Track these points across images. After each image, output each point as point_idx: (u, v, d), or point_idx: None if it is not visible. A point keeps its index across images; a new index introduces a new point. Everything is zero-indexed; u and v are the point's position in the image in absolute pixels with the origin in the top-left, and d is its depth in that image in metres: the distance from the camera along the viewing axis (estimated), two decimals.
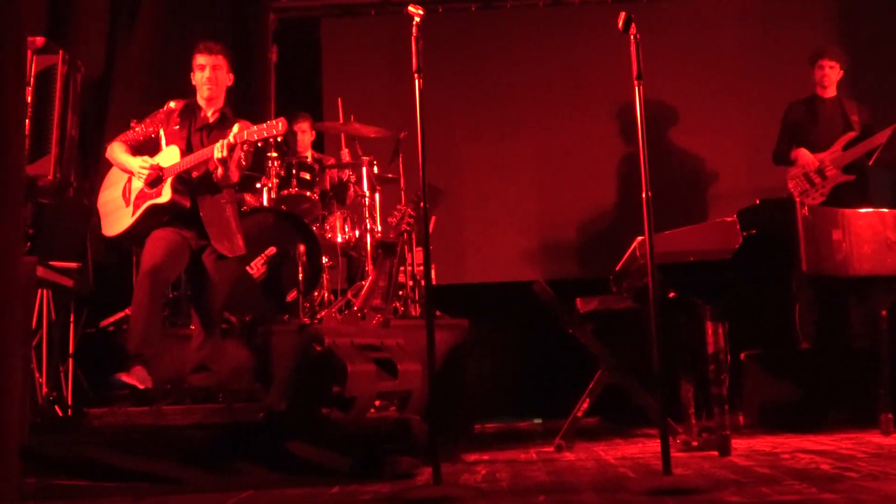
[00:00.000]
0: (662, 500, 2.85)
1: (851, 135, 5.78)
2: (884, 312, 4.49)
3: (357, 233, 5.64)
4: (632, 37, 3.30)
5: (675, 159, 7.02)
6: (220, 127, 4.60)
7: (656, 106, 6.81)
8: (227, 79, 4.71)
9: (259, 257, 5.10)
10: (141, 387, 4.20)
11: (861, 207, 4.46)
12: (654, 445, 4.04)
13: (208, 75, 4.60)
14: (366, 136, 6.03)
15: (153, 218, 4.47)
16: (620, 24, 3.33)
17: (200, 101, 4.66)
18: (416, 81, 3.31)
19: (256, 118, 4.70)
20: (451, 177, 6.87)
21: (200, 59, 4.61)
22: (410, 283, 5.52)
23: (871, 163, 5.51)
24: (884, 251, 4.27)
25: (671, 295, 4.12)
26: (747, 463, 3.61)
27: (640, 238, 4.05)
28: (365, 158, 5.72)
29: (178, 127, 4.59)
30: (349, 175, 5.89)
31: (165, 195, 4.42)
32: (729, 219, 3.95)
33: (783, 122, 6.05)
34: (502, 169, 7.12)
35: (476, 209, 7.03)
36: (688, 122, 7.02)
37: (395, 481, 3.39)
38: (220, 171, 4.37)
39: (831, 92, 5.92)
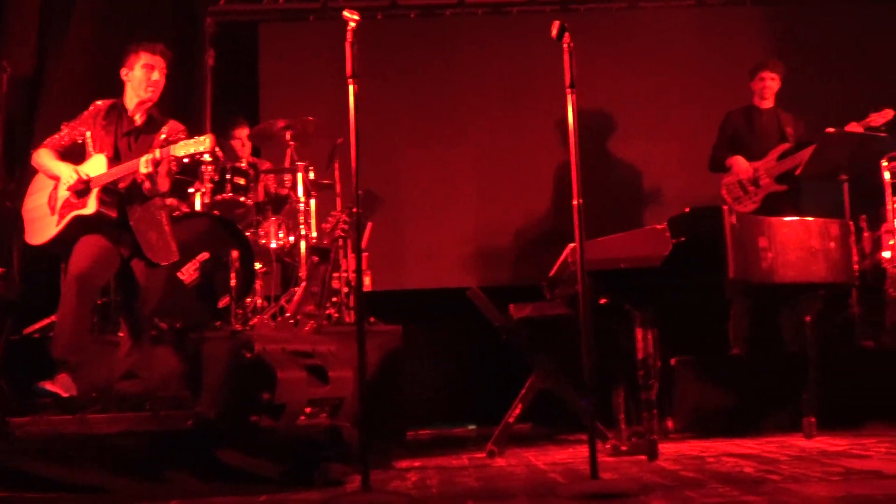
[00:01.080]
0: (590, 503, 2.88)
1: (786, 146, 5.91)
2: (809, 319, 4.60)
3: (292, 238, 5.59)
4: (565, 45, 3.34)
5: (614, 166, 7.10)
6: (147, 131, 4.51)
7: (595, 114, 6.90)
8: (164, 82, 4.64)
9: (191, 263, 5.03)
10: (64, 394, 4.11)
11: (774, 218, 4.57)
12: (585, 451, 4.02)
13: (156, 78, 4.50)
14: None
15: (78, 228, 4.36)
16: (554, 32, 3.36)
17: (128, 102, 4.55)
18: (350, 87, 3.30)
19: (192, 122, 4.65)
20: (390, 183, 6.86)
21: (147, 59, 4.49)
22: (345, 289, 5.50)
23: (798, 173, 5.63)
24: (809, 259, 4.37)
25: (602, 301, 4.17)
26: (674, 467, 3.66)
27: (572, 245, 4.09)
28: (301, 164, 5.68)
29: (104, 129, 4.49)
30: (288, 190, 5.84)
31: (91, 206, 4.30)
32: (659, 226, 4.01)
33: (721, 130, 6.16)
34: (442, 175, 7.14)
35: (415, 215, 7.03)
36: (626, 130, 7.12)
37: (326, 489, 3.37)
38: (146, 184, 4.29)
39: (769, 103, 6.06)
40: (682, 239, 3.92)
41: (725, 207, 4.05)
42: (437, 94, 7.26)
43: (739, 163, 5.94)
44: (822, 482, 3.05)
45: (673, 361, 5.33)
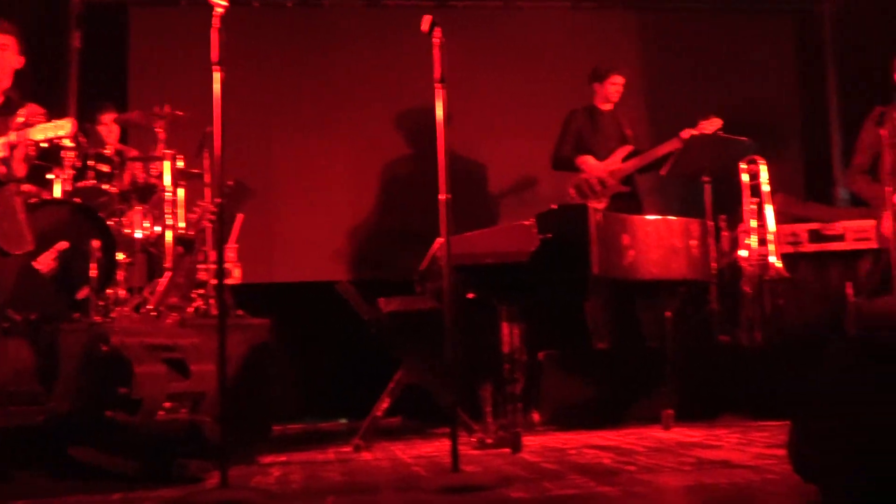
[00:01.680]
0: (450, 497, 2.90)
1: (629, 148, 6.07)
2: (669, 314, 4.75)
3: (158, 228, 5.42)
4: (435, 40, 3.35)
5: (486, 162, 7.16)
6: (3, 113, 4.31)
7: (468, 110, 6.92)
8: (16, 61, 4.43)
9: (49, 252, 4.81)
10: None
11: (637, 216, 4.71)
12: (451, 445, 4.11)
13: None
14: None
15: None
16: (425, 26, 3.37)
17: None
18: (216, 74, 3.23)
19: (56, 106, 4.45)
20: (262, 174, 6.74)
21: None
22: (213, 281, 5.36)
23: (662, 173, 5.80)
24: (670, 257, 4.51)
25: (470, 296, 4.20)
26: (536, 459, 3.72)
27: (440, 239, 4.10)
28: (168, 152, 5.51)
29: None
30: (155, 179, 5.65)
31: None
32: (526, 222, 4.07)
33: (565, 128, 6.21)
34: (315, 168, 7.05)
35: (287, 207, 6.92)
36: (498, 127, 7.17)
37: (184, 485, 3.29)
38: (1, 169, 4.09)
39: (610, 106, 6.21)
40: (549, 235, 3.99)
41: (591, 205, 4.14)
42: (313, 86, 7.17)
43: (589, 162, 6.04)
44: (674, 472, 3.16)
45: (541, 355, 5.42)
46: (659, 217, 4.67)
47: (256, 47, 6.96)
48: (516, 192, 7.12)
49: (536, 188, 7.04)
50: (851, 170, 5.00)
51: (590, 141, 6.14)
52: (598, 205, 5.94)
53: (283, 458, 4.16)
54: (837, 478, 2.34)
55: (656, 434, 4.51)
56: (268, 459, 4.11)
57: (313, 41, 7.25)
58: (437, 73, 3.32)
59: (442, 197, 3.27)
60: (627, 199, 5.98)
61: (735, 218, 5.64)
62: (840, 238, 5.60)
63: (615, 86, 6.14)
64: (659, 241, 4.48)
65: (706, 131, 5.74)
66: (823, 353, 2.39)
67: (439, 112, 3.32)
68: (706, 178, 5.57)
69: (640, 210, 5.92)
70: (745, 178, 5.49)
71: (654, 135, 6.33)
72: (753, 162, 5.48)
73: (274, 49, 7.14)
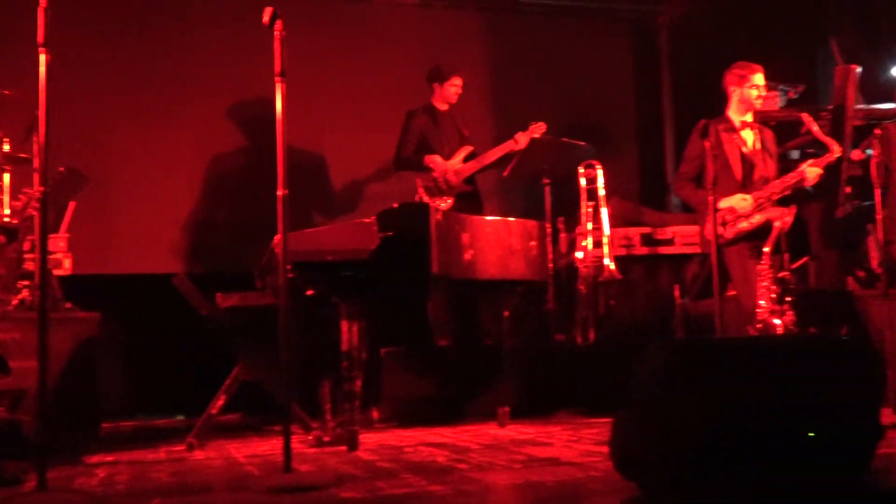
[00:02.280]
0: (280, 498, 2.87)
1: (470, 148, 6.15)
2: (507, 313, 4.86)
3: None
4: (276, 33, 3.29)
5: (332, 158, 7.08)
6: None
7: (315, 104, 6.84)
8: None
9: None
10: None
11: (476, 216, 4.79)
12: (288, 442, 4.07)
13: None
14: None
15: None
16: (266, 18, 3.30)
17: None
18: (42, 56, 3.09)
19: None
20: (99, 161, 6.44)
21: None
22: None
23: (505, 174, 5.92)
24: (508, 257, 4.61)
25: (309, 293, 4.17)
26: (372, 457, 3.73)
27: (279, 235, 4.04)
28: None
29: None
30: None
31: None
32: (367, 220, 4.06)
33: (406, 129, 6.22)
34: (156, 157, 6.79)
35: (124, 196, 6.65)
36: (347, 122, 7.11)
37: (1, 488, 3.12)
38: None
39: (447, 106, 6.27)
40: (390, 234, 3.99)
41: (433, 204, 4.18)
42: (155, 73, 6.90)
43: (437, 161, 6.09)
44: (505, 470, 3.23)
45: (383, 352, 5.43)
46: (498, 218, 4.76)
47: (97, 28, 6.65)
48: (361, 187, 7.09)
49: (381, 184, 7.02)
50: (678, 177, 5.23)
51: (432, 141, 6.17)
52: (443, 203, 6.01)
53: (110, 458, 4.01)
54: (654, 476, 2.45)
55: (492, 431, 4.60)
56: (94, 459, 3.95)
57: (156, 26, 6.98)
58: (277, 67, 3.27)
59: (280, 192, 3.23)
60: (470, 199, 6.07)
61: (573, 220, 5.80)
62: (670, 242, 5.86)
63: (455, 87, 6.20)
64: (498, 241, 4.57)
65: (535, 135, 5.90)
66: (641, 355, 2.50)
67: (279, 106, 3.27)
68: (546, 181, 5.72)
69: (480, 210, 6.02)
70: (582, 181, 5.66)
71: (497, 136, 6.42)
72: (591, 166, 5.66)
73: (116, 32, 6.84)
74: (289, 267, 3.96)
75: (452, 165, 6.07)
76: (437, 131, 6.18)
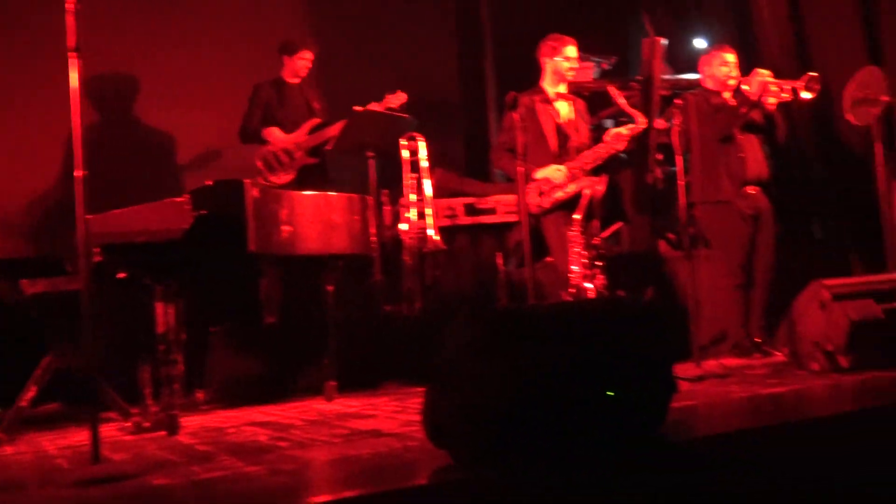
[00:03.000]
0: (87, 490, 2.77)
1: (316, 121, 6.14)
2: (331, 288, 4.84)
3: None
4: (69, 6, 3.14)
5: (149, 136, 6.83)
6: None
7: (130, 80, 6.60)
8: None
9: None
10: None
11: (322, 189, 4.76)
12: (106, 431, 3.94)
13: None
14: None
15: None
16: None
17: None
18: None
19: None
20: None
21: None
22: None
23: (328, 147, 5.89)
24: (329, 231, 4.58)
25: (121, 275, 4.03)
26: (191, 441, 3.65)
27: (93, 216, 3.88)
28: None
29: None
30: None
31: None
32: (180, 198, 3.94)
33: (252, 101, 6.24)
34: None
35: None
36: (166, 99, 6.87)
37: None
38: None
39: (298, 79, 6.25)
40: (204, 212, 3.89)
41: (248, 181, 4.10)
42: None
43: (275, 134, 6.08)
44: (325, 445, 3.22)
45: (210, 332, 5.32)
46: (318, 192, 4.73)
47: None
48: (202, 164, 6.90)
49: (208, 161, 6.85)
50: (495, 148, 5.35)
51: (277, 113, 6.17)
52: (285, 177, 5.98)
53: None
54: (463, 445, 2.50)
55: (319, 406, 4.59)
56: None
57: None
58: (70, 42, 3.11)
59: (78, 174, 3.08)
60: (314, 172, 6.03)
61: (397, 192, 5.83)
62: (492, 212, 5.97)
63: (304, 60, 6.21)
64: (318, 216, 4.54)
65: (392, 105, 5.92)
66: (449, 325, 2.55)
67: (74, 82, 3.12)
68: (370, 154, 5.72)
69: (325, 183, 5.98)
70: (405, 153, 5.69)
71: (332, 110, 6.37)
72: (413, 139, 5.69)
73: None
74: (97, 250, 3.85)
75: (294, 139, 6.02)
76: (282, 104, 6.17)
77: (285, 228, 4.28)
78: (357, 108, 5.79)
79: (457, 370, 2.47)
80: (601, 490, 2.37)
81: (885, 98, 5.24)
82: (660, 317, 2.71)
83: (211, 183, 4.07)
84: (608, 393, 2.55)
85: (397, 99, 5.93)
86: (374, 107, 5.87)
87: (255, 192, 4.11)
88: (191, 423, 4.26)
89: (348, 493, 2.31)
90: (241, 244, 4.09)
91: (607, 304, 3.56)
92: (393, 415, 3.97)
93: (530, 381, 2.40)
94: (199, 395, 5.04)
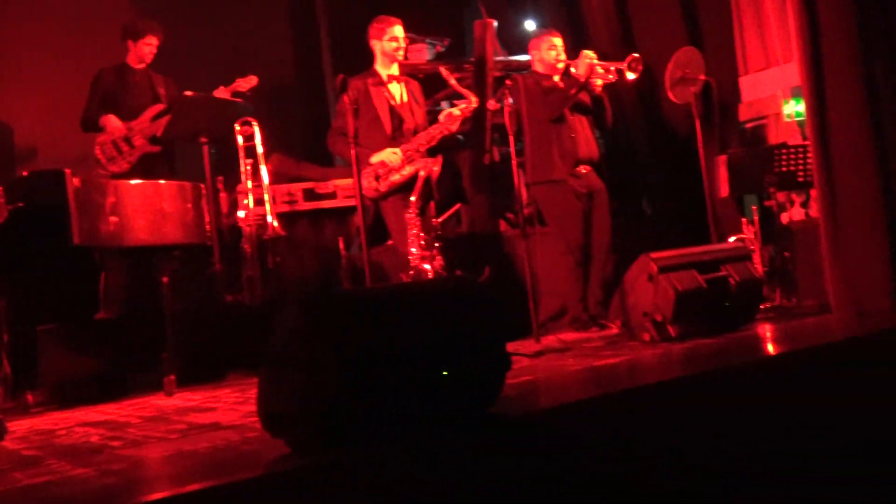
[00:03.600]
0: None
1: (160, 107, 5.94)
2: (166, 279, 4.70)
3: None
4: None
5: (10, 119, 6.49)
6: None
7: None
8: None
9: None
10: None
11: (166, 178, 4.60)
12: None
13: None
14: None
15: None
16: None
17: None
18: None
19: None
20: None
21: None
22: None
23: (159, 134, 5.71)
24: (160, 221, 4.45)
25: None
26: (18, 446, 3.47)
27: None
28: None
29: None
30: None
31: None
32: None
33: (93, 89, 6.02)
34: None
35: None
36: (27, 82, 6.55)
37: None
38: None
39: (143, 65, 6.02)
40: (20, 204, 3.70)
41: (68, 171, 3.93)
42: None
43: (112, 122, 5.87)
44: (160, 442, 3.13)
45: (39, 330, 5.06)
46: (146, 181, 4.58)
47: None
48: (41, 154, 6.56)
49: (64, 150, 6.51)
50: (331, 132, 5.30)
51: (120, 100, 5.97)
52: (124, 165, 5.76)
53: None
54: (298, 433, 2.48)
55: (158, 402, 4.45)
56: None
57: None
58: None
59: None
60: (158, 161, 5.83)
61: (233, 179, 5.71)
62: (332, 196, 5.94)
63: (149, 46, 6.05)
64: (148, 205, 4.40)
65: (241, 89, 5.79)
66: (281, 311, 2.51)
67: None
68: (204, 140, 5.56)
69: (168, 170, 5.79)
70: (239, 139, 5.56)
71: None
72: (248, 123, 5.57)
73: None
74: None
75: (138, 125, 5.81)
76: (125, 91, 5.93)
77: (112, 219, 4.12)
78: (188, 93, 5.63)
79: (288, 357, 2.44)
80: (437, 470, 2.39)
81: (703, 77, 5.48)
82: (492, 295, 2.75)
83: (26, 174, 3.87)
84: (442, 373, 2.57)
85: (247, 83, 5.82)
86: (220, 92, 5.73)
87: (76, 182, 3.94)
88: (19, 426, 4.06)
89: (180, 490, 2.25)
90: (64, 237, 3.91)
91: (437, 284, 3.59)
92: (234, 406, 3.90)
93: (360, 364, 2.40)
94: (30, 397, 4.79)
